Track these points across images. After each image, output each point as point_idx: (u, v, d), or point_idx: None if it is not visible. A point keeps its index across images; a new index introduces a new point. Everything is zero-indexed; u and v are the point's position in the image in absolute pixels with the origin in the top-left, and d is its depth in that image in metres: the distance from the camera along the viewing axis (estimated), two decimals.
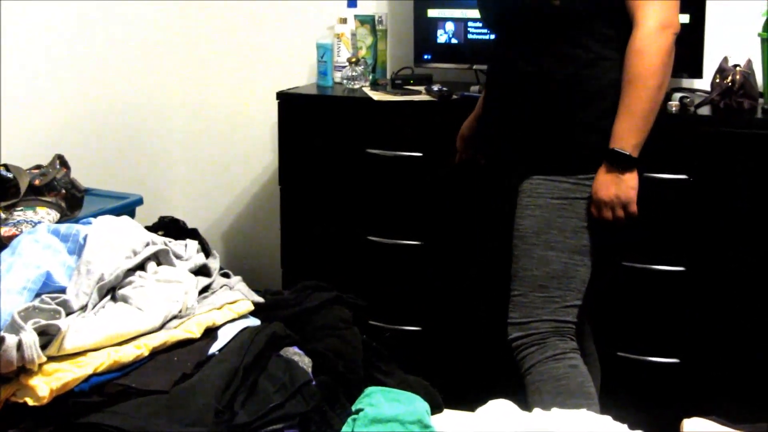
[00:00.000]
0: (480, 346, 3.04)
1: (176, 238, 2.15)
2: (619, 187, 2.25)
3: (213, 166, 3.83)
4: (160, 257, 1.95)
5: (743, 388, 2.85)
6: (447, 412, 1.81)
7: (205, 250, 2.06)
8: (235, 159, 3.81)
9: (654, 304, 2.91)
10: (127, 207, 2.91)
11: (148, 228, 2.37)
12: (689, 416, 1.89)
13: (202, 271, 2.01)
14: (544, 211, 2.32)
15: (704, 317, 2.87)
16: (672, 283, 2.87)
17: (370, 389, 1.78)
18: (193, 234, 2.26)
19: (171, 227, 2.32)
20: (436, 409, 1.81)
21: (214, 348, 1.79)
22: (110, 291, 1.84)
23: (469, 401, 1.92)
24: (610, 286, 2.73)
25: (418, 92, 3.18)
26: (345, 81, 3.35)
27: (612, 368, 2.79)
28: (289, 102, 3.21)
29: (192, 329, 1.80)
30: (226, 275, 2.06)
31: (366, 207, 3.16)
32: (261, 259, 3.68)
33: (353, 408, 1.74)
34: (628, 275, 2.86)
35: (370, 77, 3.36)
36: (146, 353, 1.75)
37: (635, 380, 2.93)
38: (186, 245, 2.04)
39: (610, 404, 2.33)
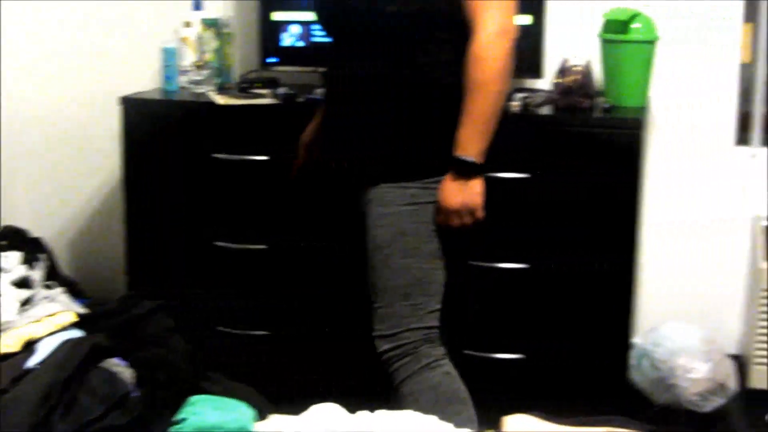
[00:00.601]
0: (327, 351, 3.03)
1: (19, 248, 2.10)
2: (466, 195, 2.25)
3: (57, 173, 3.74)
4: None
5: (585, 383, 2.91)
6: (273, 417, 1.80)
7: (29, 261, 2.01)
8: (79, 165, 3.72)
9: (499, 302, 2.95)
10: None
11: None
12: (532, 411, 1.94)
13: (25, 283, 1.96)
14: (396, 219, 2.29)
15: (548, 313, 2.92)
16: (515, 280, 2.91)
17: (194, 398, 1.77)
18: (36, 243, 2.21)
19: (14, 237, 2.26)
20: (262, 415, 1.80)
21: (33, 362, 1.75)
22: None
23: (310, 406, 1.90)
24: (457, 285, 2.75)
25: (264, 96, 3.15)
26: (190, 85, 3.30)
27: (459, 366, 2.80)
28: (132, 107, 3.14)
29: (9, 343, 1.76)
30: (68, 283, 2.03)
31: (212, 212, 3.12)
32: (107, 266, 3.61)
33: (177, 417, 1.72)
34: (472, 274, 2.88)
35: (216, 81, 3.32)
36: None
37: (481, 378, 2.95)
38: (6, 257, 1.99)
39: None
